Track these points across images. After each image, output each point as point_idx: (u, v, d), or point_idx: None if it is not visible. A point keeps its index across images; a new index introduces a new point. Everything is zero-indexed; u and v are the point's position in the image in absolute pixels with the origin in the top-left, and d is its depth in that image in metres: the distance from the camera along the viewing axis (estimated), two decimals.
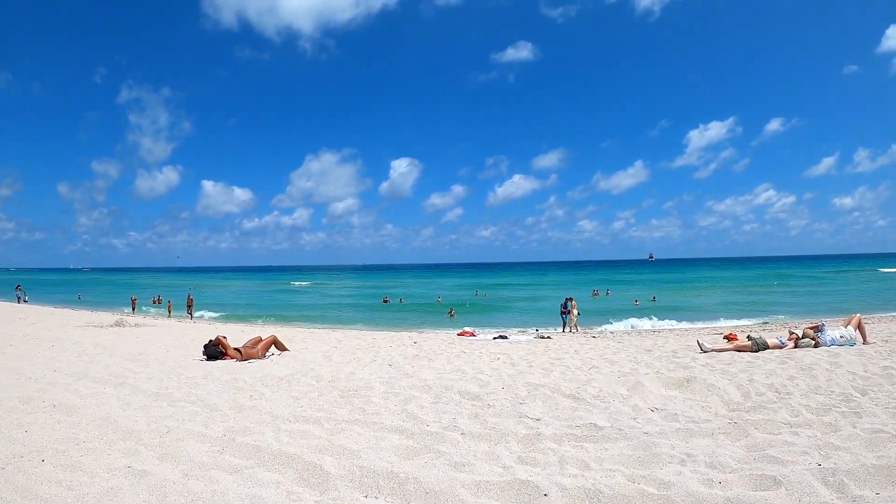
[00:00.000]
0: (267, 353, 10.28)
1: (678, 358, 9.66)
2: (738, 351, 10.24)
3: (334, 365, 9.07)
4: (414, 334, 19.53)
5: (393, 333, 19.23)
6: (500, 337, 15.34)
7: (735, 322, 26.04)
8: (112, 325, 17.37)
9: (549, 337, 15.81)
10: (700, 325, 25.75)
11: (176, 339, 12.99)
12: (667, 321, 27.64)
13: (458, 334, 16.42)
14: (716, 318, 29.21)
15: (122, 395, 6.55)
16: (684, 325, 25.87)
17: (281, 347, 10.81)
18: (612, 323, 26.48)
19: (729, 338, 11.91)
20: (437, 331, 23.62)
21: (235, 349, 9.59)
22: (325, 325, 27.48)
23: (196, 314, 33.00)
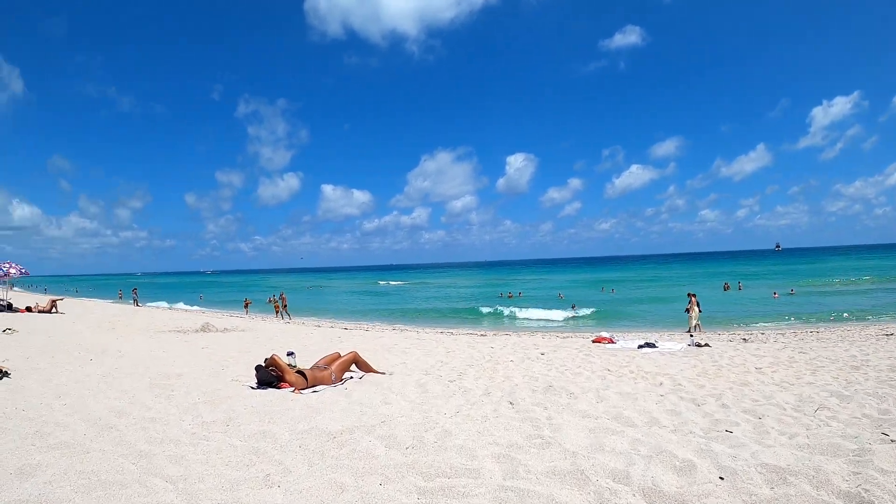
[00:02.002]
0: (345, 375, 7.83)
1: None
2: None
3: (427, 403, 6.38)
4: (538, 338, 17.11)
5: (514, 338, 16.58)
6: (647, 345, 12.60)
7: None
8: (196, 331, 15.99)
9: (706, 344, 12.96)
10: (854, 322, 22.70)
11: (245, 352, 11.05)
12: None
13: (594, 341, 14.05)
14: (878, 314, 25.74)
15: (92, 451, 4.37)
16: (848, 324, 22.39)
17: (364, 367, 8.34)
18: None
19: None
20: (562, 333, 21.06)
21: (299, 372, 7.19)
22: (438, 328, 25.36)
23: (299, 318, 32.15)
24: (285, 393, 6.62)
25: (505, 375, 8.60)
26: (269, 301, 43.62)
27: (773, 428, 5.20)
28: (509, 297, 49.88)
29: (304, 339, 14.84)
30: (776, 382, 7.86)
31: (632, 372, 8.85)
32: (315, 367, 7.60)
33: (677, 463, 4.05)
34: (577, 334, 19.40)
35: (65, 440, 4.71)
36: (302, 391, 6.85)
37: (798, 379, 8.17)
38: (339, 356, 8.10)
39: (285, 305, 32.22)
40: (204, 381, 7.45)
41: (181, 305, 45.98)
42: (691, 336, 13.56)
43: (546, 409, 6.13)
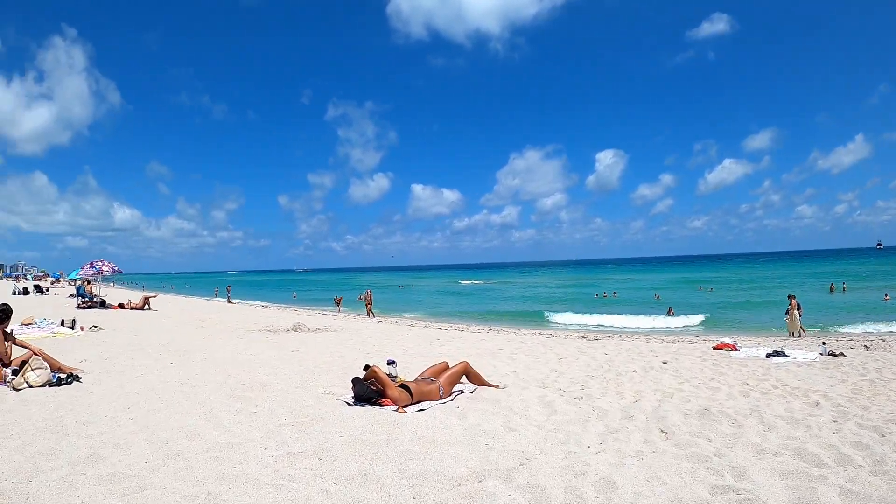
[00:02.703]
0: (453, 389, 6.77)
1: None
2: None
3: (561, 430, 5.26)
4: (651, 342, 15.97)
5: (626, 342, 15.34)
6: (776, 353, 11.38)
7: None
8: (287, 331, 15.52)
9: (841, 353, 11.68)
10: None
11: (339, 357, 10.26)
12: None
13: (715, 347, 12.82)
14: None
15: (150, 488, 3.59)
16: None
17: (476, 380, 7.27)
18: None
19: None
20: (668, 336, 19.87)
21: (402, 385, 6.19)
22: (535, 329, 24.25)
23: (391, 317, 31.81)
24: (388, 414, 5.61)
25: (634, 390, 7.45)
26: (360, 299, 43.91)
27: None
28: (604, 296, 49.91)
29: (401, 340, 13.99)
30: None
31: (775, 388, 7.75)
32: (420, 380, 6.59)
33: None
34: (685, 339, 18.18)
35: (121, 469, 3.93)
36: (406, 408, 5.85)
37: None
38: (447, 367, 7.06)
39: (369, 303, 32.10)
40: (292, 394, 6.58)
41: (259, 303, 46.86)
42: (824, 344, 12.29)
43: (710, 441, 4.98)
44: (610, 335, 20.36)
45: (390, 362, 7.34)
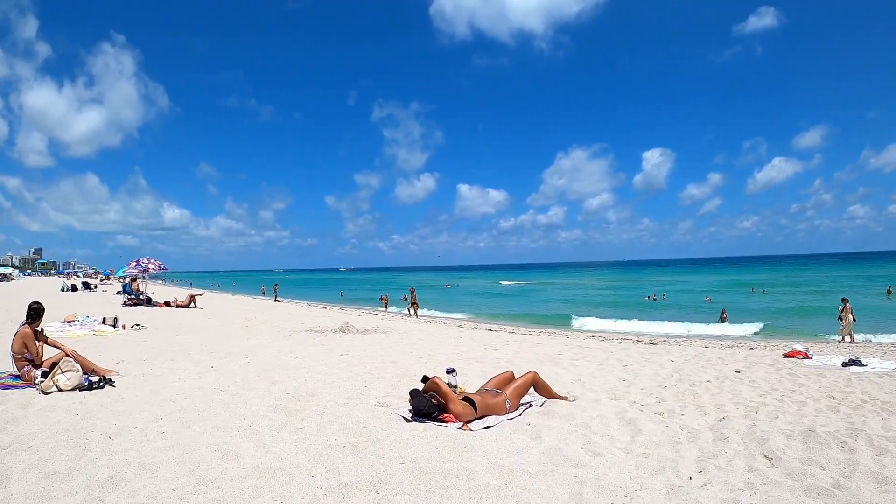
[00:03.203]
0: (521, 402, 6.08)
1: None
2: None
3: (652, 456, 4.52)
4: (715, 347, 15.53)
5: (689, 348, 14.52)
6: (852, 362, 10.89)
7: None
8: (334, 332, 15.09)
9: None
10: None
11: (391, 362, 9.64)
12: None
13: (785, 355, 12.27)
14: None
15: None
16: None
17: (544, 391, 6.58)
18: None
19: None
20: (725, 342, 19.02)
21: (466, 399, 5.52)
22: (588, 332, 23.58)
23: (436, 316, 31.39)
24: (453, 433, 4.93)
25: (714, 404, 6.74)
26: (405, 298, 43.72)
27: None
28: (654, 299, 48.83)
29: (454, 344, 13.35)
30: None
31: (864, 402, 7.10)
32: (484, 391, 5.94)
33: None
34: (745, 344, 17.67)
35: (143, 499, 3.41)
36: (470, 425, 5.19)
37: None
38: (513, 377, 6.38)
39: (414, 302, 31.73)
40: (342, 406, 5.97)
41: (305, 302, 46.95)
42: None
43: (824, 469, 4.36)
44: (666, 339, 19.52)
45: (450, 371, 6.70)
